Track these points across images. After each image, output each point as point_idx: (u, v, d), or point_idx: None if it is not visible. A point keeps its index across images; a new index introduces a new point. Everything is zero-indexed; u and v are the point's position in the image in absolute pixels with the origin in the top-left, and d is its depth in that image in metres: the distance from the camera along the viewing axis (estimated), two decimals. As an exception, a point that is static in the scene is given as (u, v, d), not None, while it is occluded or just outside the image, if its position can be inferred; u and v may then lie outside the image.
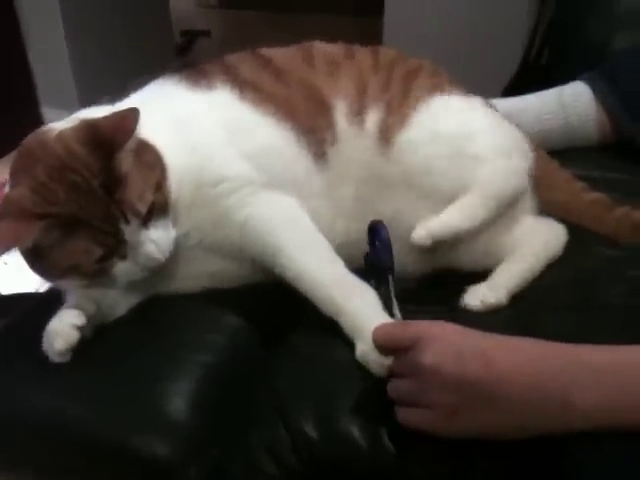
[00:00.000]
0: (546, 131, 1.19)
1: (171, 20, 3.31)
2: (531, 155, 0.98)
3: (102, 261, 0.77)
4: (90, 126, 0.78)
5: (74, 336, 0.78)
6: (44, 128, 0.82)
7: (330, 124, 0.93)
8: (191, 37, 3.75)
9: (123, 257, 0.79)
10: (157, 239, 0.79)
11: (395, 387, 0.68)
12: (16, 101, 2.62)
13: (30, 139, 0.81)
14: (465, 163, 0.93)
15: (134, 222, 0.77)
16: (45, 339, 0.79)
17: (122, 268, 0.79)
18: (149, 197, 0.78)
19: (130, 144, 0.77)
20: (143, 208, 0.77)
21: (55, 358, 0.78)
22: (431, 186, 0.92)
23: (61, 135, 0.78)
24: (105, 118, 0.78)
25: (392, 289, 0.81)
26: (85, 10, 2.64)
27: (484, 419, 0.62)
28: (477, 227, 0.91)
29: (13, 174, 0.79)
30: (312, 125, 0.92)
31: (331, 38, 1.03)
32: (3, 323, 0.92)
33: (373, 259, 0.84)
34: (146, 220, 0.78)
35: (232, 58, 0.98)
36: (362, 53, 1.00)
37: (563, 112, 1.20)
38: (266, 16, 4.08)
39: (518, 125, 1.05)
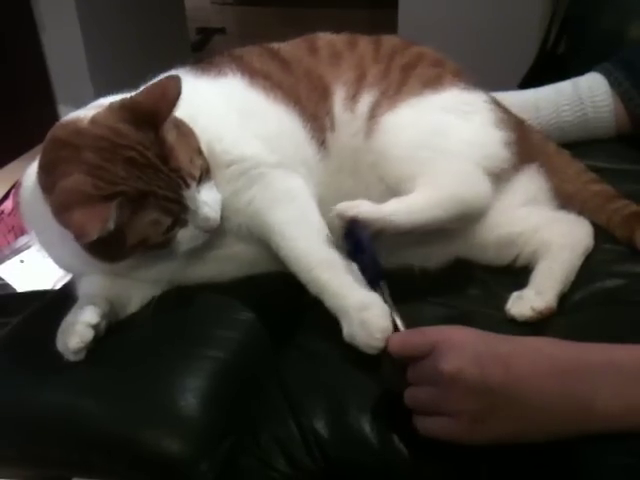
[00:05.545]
0: (562, 123, 1.18)
1: (186, 17, 3.32)
2: (508, 159, 0.93)
3: (169, 231, 0.79)
4: (129, 104, 0.77)
5: (89, 334, 0.78)
6: (67, 119, 0.81)
7: (329, 111, 0.94)
8: (206, 34, 3.76)
9: (184, 224, 0.80)
10: (209, 201, 0.81)
11: (413, 395, 0.66)
12: (32, 99, 2.63)
13: (58, 131, 0.79)
14: (423, 160, 0.90)
15: (192, 186, 0.78)
16: (59, 337, 0.79)
17: (185, 235, 0.81)
18: (199, 161, 0.80)
19: (171, 116, 0.78)
20: (197, 171, 0.79)
21: (70, 356, 0.79)
22: (383, 172, 0.92)
23: (96, 119, 0.77)
24: (142, 93, 0.78)
25: (388, 296, 0.79)
26: (101, 8, 2.65)
27: (505, 424, 0.61)
28: (419, 227, 0.85)
29: (48, 168, 0.77)
30: (315, 112, 0.93)
31: (346, 32, 1.03)
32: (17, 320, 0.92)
33: (362, 266, 0.81)
34: (198, 184, 0.80)
35: (241, 50, 0.99)
36: (364, 43, 1.01)
37: (579, 103, 1.18)
38: (281, 12, 4.08)
39: (534, 118, 1.03)
